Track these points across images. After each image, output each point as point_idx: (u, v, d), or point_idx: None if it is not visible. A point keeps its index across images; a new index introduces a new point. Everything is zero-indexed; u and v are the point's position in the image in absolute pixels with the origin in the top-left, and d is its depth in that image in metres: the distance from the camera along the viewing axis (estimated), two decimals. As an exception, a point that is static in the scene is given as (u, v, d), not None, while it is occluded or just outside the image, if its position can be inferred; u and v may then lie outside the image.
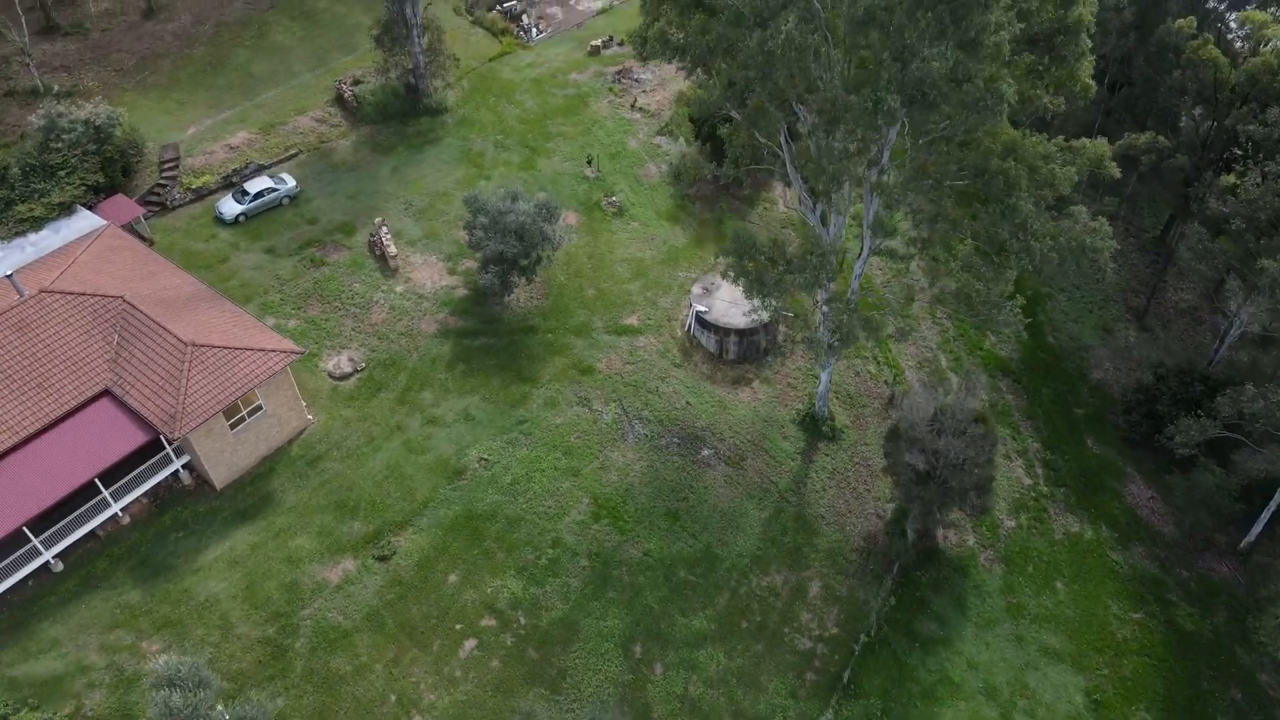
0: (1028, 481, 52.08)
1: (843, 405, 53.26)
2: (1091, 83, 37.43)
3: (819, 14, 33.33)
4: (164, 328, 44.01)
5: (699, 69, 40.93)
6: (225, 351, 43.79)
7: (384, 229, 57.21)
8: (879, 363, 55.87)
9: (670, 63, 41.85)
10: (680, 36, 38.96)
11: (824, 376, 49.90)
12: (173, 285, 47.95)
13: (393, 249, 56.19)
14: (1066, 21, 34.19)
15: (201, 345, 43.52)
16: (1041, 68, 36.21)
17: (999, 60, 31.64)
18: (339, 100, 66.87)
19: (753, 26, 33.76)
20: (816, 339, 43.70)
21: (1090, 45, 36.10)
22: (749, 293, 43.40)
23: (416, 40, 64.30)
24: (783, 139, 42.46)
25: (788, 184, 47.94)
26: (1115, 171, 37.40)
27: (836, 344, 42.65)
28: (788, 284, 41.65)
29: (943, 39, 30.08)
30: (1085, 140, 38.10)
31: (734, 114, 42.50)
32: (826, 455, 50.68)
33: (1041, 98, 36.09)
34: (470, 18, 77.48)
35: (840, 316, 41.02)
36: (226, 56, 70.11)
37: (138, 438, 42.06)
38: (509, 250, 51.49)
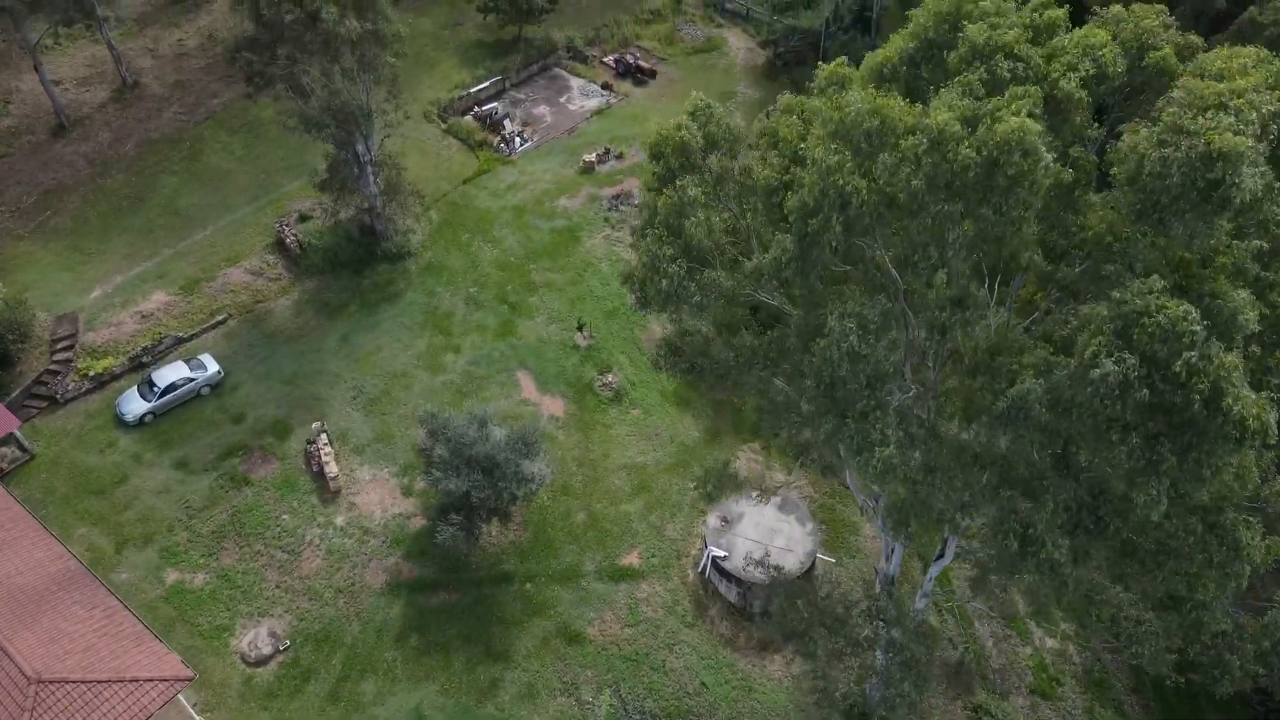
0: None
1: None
2: None
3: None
4: (3, 650, 32.83)
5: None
6: (85, 688, 32.58)
7: (323, 436, 46.02)
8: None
9: (677, 375, 30.61)
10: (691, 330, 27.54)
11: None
12: (31, 564, 36.76)
13: (333, 468, 44.95)
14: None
15: (52, 682, 32.31)
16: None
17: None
18: (280, 245, 55.63)
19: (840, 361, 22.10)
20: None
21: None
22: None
23: (371, 180, 53.09)
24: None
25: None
26: None
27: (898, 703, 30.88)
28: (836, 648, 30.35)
29: (1153, 474, 19.03)
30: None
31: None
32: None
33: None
34: (443, 125, 66.23)
35: (899, 673, 29.41)
36: (149, 186, 58.88)
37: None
38: (475, 492, 40.26)
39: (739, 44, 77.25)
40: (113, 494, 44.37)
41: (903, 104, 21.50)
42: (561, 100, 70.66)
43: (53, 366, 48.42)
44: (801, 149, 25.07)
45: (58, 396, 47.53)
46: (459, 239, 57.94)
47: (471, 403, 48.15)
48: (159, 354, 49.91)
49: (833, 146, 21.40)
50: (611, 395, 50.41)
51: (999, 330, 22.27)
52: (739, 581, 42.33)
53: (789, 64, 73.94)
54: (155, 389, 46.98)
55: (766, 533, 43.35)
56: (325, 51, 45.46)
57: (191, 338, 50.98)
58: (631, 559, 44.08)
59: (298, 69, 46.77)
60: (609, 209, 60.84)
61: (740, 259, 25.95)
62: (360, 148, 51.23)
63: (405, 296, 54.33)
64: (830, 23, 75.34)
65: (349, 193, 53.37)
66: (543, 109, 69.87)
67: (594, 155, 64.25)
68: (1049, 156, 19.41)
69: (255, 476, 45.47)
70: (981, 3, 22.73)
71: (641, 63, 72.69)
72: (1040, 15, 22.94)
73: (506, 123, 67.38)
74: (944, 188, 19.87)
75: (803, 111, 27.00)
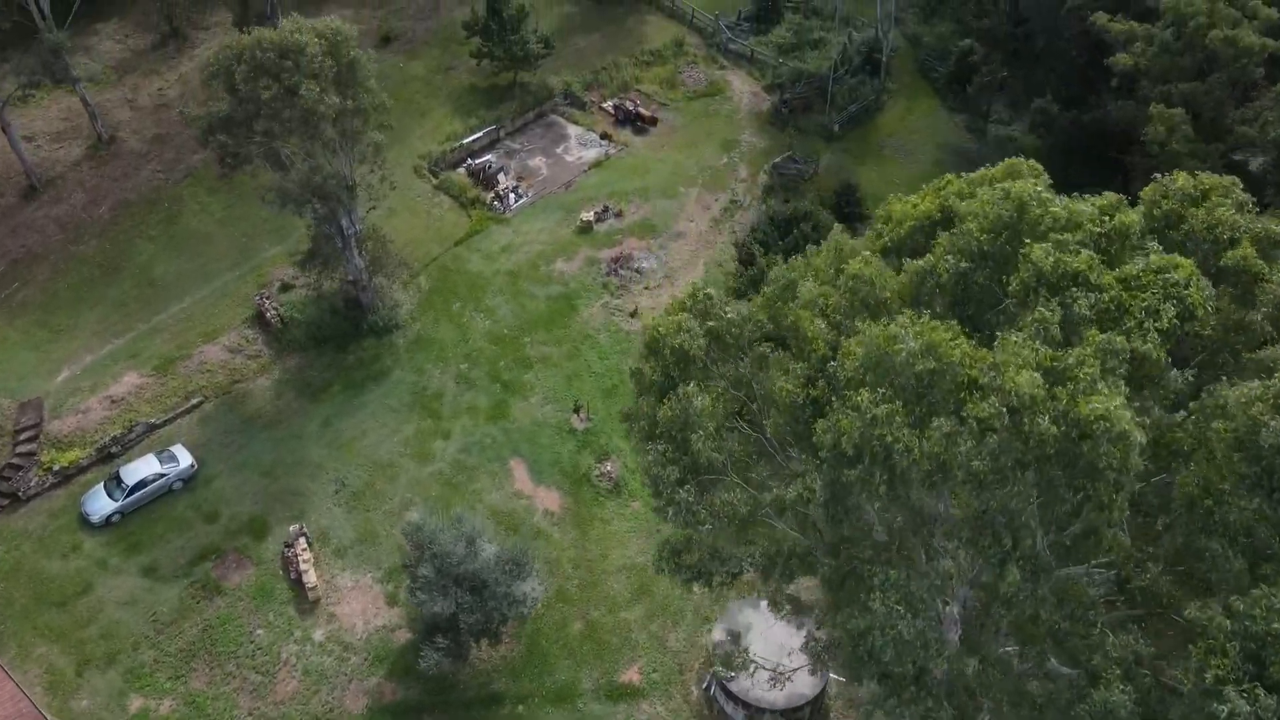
0: None
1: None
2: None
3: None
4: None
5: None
6: None
7: (302, 540, 43.07)
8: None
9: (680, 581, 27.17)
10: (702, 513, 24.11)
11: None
12: (-22, 708, 33.84)
13: (311, 576, 42.00)
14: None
15: None
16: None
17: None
18: (260, 319, 52.66)
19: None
20: None
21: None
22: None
23: (356, 254, 50.16)
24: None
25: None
26: None
27: None
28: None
29: None
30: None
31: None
32: None
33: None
34: (434, 181, 63.24)
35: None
36: (124, 253, 55.98)
37: None
38: (463, 615, 37.27)
39: (743, 87, 74.24)
40: (75, 606, 41.42)
41: (965, 345, 18.19)
42: (558, 151, 67.64)
43: (15, 460, 45.48)
44: (831, 366, 20.77)
45: (20, 493, 44.61)
46: (449, 308, 54.97)
47: (461, 502, 45.25)
48: (129, 443, 46.96)
49: (879, 392, 18.05)
50: (610, 487, 47.43)
51: (1073, 604, 18.98)
52: (746, 705, 39.36)
53: (794, 110, 70.99)
54: (123, 487, 44.05)
55: (776, 649, 40.33)
56: (305, 128, 42.49)
57: (164, 424, 48.03)
58: (631, 675, 41.10)
59: (276, 144, 43.86)
60: (607, 273, 57.86)
61: (759, 476, 22.68)
62: (344, 221, 48.28)
63: (392, 375, 51.36)
64: (838, 66, 72.44)
65: (332, 267, 50.44)
66: (539, 160, 66.85)
67: (592, 213, 61.27)
68: (1142, 438, 16.37)
69: (229, 584, 42.52)
70: (1052, 208, 19.32)
71: (641, 110, 69.68)
72: (1110, 220, 19.80)
73: (501, 177, 64.34)
74: (1014, 465, 16.80)
75: (817, 281, 23.34)
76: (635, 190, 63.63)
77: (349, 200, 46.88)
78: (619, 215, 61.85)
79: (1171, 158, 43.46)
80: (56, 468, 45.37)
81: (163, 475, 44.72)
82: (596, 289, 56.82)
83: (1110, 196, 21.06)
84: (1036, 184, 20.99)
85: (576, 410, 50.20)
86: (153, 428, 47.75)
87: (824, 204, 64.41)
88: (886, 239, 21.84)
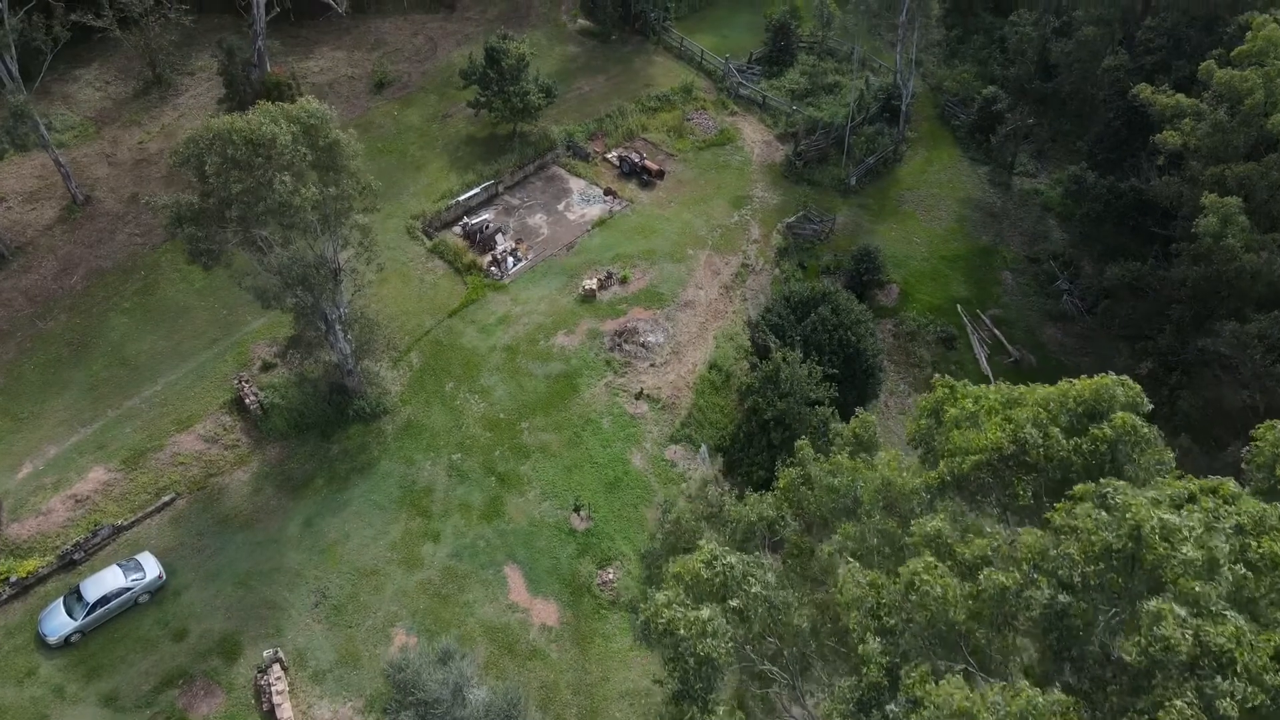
0: None
1: None
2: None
3: None
4: None
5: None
6: None
7: (276, 666, 39.56)
8: None
9: None
10: None
11: None
12: None
13: (286, 709, 38.46)
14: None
15: None
16: None
17: None
18: (238, 405, 49.19)
19: None
20: None
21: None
22: None
23: (341, 338, 46.67)
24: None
25: None
26: None
27: None
28: None
29: None
30: None
31: None
32: None
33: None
34: (428, 243, 59.76)
35: None
36: (96, 329, 52.55)
37: None
38: (447, 770, 33.76)
39: (754, 135, 70.71)
40: (28, 743, 38.00)
41: None
42: (560, 207, 64.14)
43: (-32, 571, 42.04)
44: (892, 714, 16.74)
45: (-27, 609, 41.18)
46: (442, 389, 51.46)
47: (451, 616, 41.76)
48: (93, 548, 43.50)
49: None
50: (612, 598, 43.87)
51: None
52: None
53: (809, 163, 67.41)
54: (84, 604, 40.57)
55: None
56: (281, 218, 39.00)
57: (132, 525, 44.57)
58: (634, 824, 37.56)
59: (253, 231, 40.41)
60: (611, 348, 54.31)
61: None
62: (328, 307, 44.80)
63: (379, 466, 47.86)
64: (854, 114, 68.88)
65: (315, 353, 46.98)
66: (539, 218, 63.35)
67: (594, 280, 57.75)
68: None
69: (195, 715, 39.01)
70: (1183, 546, 14.86)
71: (648, 162, 66.16)
72: (1258, 545, 15.87)
73: (499, 238, 60.81)
74: None
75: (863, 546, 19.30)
76: (641, 253, 60.15)
77: (333, 288, 43.38)
78: (623, 282, 58.32)
79: (1226, 253, 39.81)
80: (14, 579, 41.92)
81: (127, 589, 41.23)
82: (599, 366, 53.27)
83: (1227, 487, 16.72)
84: (1148, 456, 16.60)
85: (577, 510, 46.65)
86: (119, 530, 44.28)
87: (840, 264, 60.96)
88: (947, 474, 18.11)
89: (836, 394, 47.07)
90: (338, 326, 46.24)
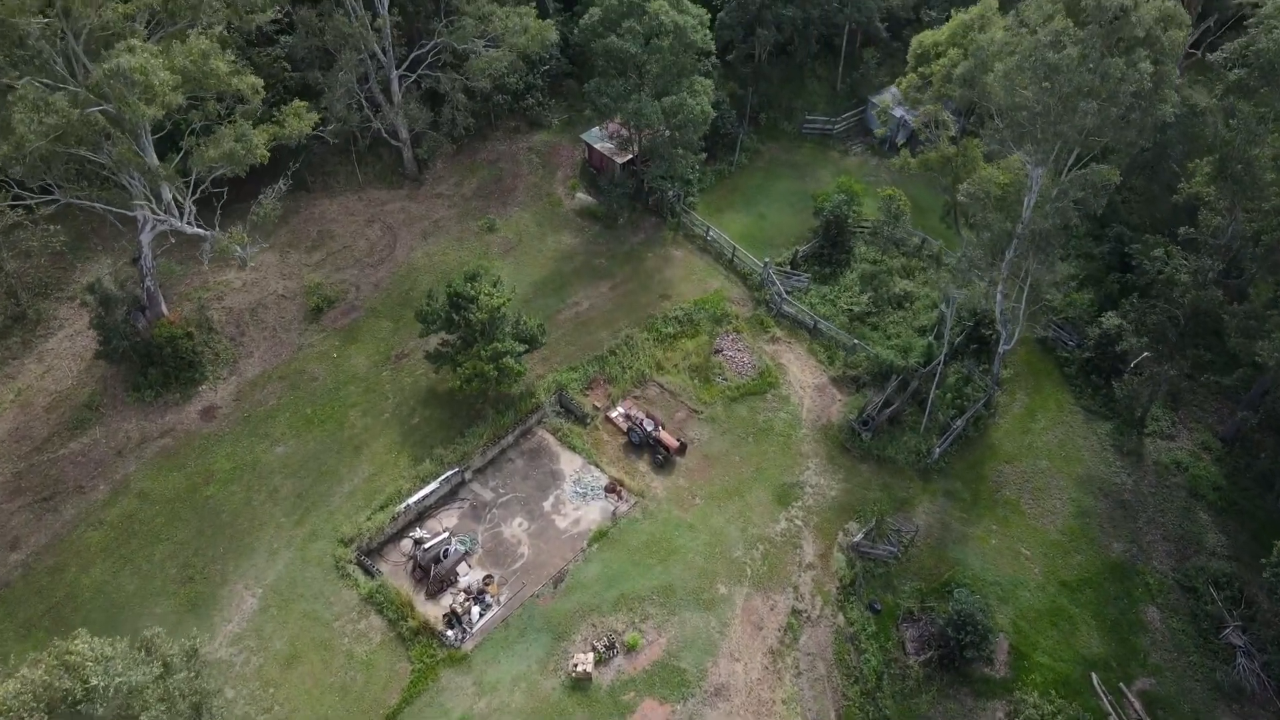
0: None
1: None
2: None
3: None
4: None
5: None
6: None
7: None
8: None
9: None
10: None
11: None
12: None
13: None
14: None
15: None
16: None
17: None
18: None
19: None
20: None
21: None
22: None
23: None
24: None
25: None
26: None
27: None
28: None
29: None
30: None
31: None
32: None
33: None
34: (360, 588, 43.39)
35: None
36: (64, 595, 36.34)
37: None
38: None
39: (803, 375, 54.17)
40: None
41: None
42: (546, 506, 47.74)
43: None
44: None
45: None
46: None
47: None
48: None
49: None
50: None
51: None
52: None
53: (877, 432, 50.79)
54: None
55: None
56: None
57: None
58: None
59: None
60: (612, 783, 38.02)
61: None
62: None
63: None
64: (933, 353, 52.44)
65: None
66: (518, 524, 46.99)
67: (589, 651, 41.57)
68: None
69: None
70: None
71: (664, 434, 49.65)
72: None
73: (461, 568, 44.57)
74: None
75: None
76: (654, 591, 43.98)
77: None
78: (630, 651, 42.00)
79: None
80: None
81: None
82: (594, 820, 36.94)
83: None
84: None
85: None
86: None
87: (926, 606, 44.50)
88: None
89: None
90: None
